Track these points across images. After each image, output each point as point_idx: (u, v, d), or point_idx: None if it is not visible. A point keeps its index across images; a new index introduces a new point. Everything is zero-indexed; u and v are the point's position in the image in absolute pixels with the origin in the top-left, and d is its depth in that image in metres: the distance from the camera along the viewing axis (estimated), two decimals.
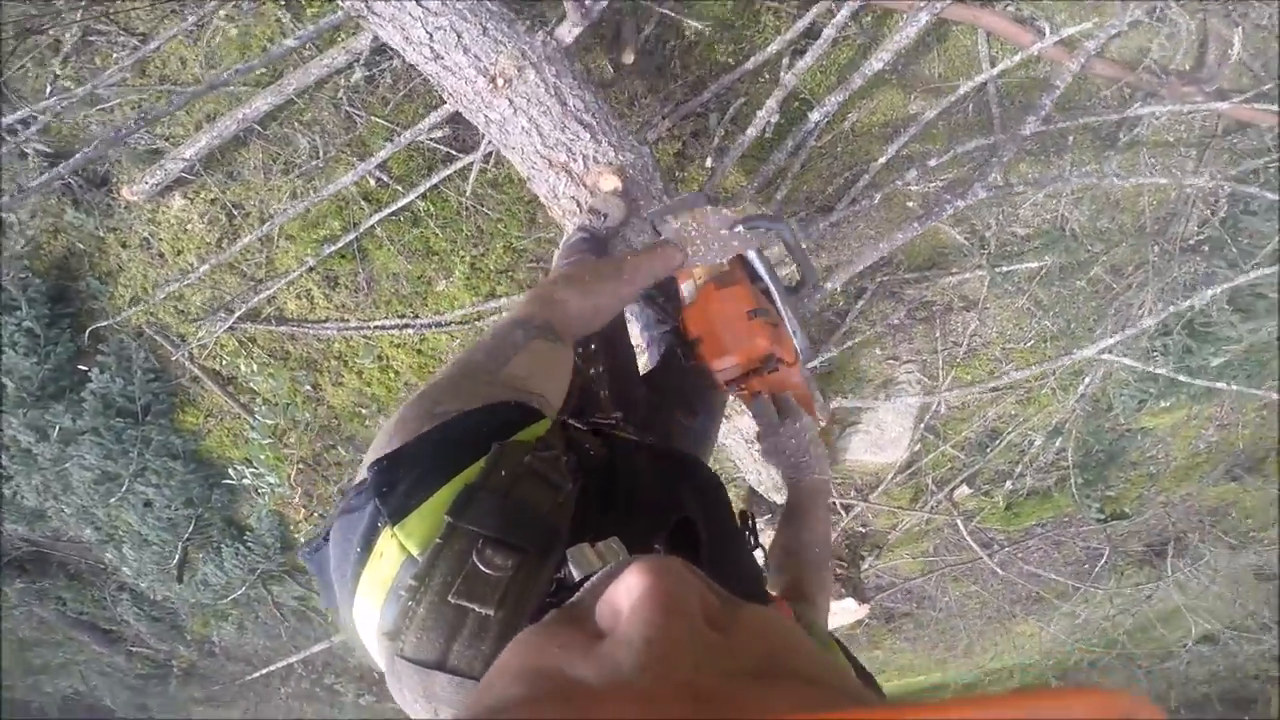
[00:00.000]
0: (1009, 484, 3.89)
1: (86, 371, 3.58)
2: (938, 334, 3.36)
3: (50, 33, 3.10)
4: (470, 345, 0.72)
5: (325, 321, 3.36)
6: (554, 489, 0.55)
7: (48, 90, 3.11)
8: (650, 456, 0.77)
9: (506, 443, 0.56)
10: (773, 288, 1.02)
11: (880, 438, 3.56)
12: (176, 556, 3.92)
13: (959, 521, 3.89)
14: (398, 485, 0.53)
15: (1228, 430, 3.97)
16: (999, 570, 4.09)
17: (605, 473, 0.66)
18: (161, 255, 3.37)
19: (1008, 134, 2.68)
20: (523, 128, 2.13)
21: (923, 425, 3.61)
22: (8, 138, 3.21)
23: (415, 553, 0.50)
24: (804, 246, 1.11)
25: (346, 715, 5.26)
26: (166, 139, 3.15)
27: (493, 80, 2.10)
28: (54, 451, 3.67)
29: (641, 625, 0.33)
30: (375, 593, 0.50)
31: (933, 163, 2.72)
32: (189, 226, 3.28)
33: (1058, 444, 3.74)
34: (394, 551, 0.50)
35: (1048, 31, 2.68)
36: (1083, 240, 3.22)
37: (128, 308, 3.45)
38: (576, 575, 0.49)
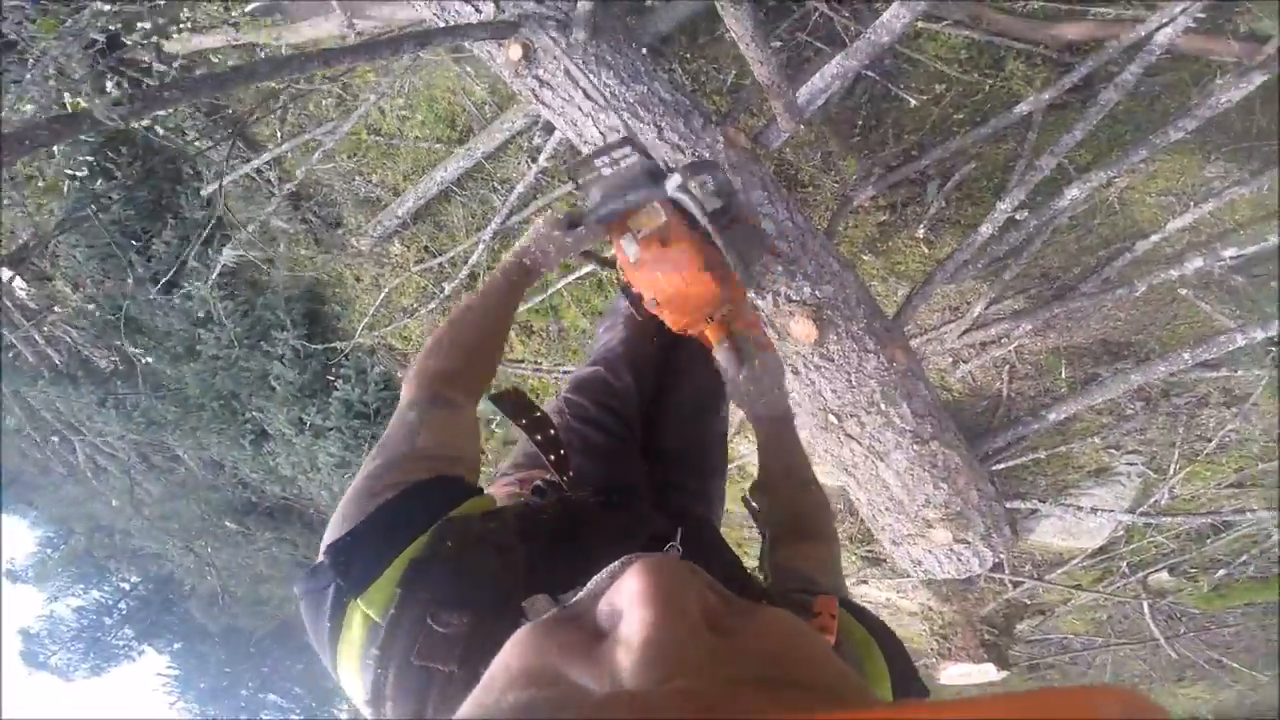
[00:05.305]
0: (1223, 571, 3.17)
1: (333, 381, 4.20)
2: (1181, 429, 2.67)
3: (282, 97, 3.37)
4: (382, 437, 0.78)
5: (521, 362, 3.56)
6: (503, 553, 0.59)
7: (279, 136, 3.45)
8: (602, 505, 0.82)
9: (449, 518, 0.61)
10: (710, 229, 0.94)
11: (1075, 525, 3.03)
12: None
13: (1145, 604, 3.27)
14: (354, 562, 0.57)
15: None
16: (1175, 655, 3.41)
17: (564, 531, 0.68)
18: (389, 298, 3.74)
19: None
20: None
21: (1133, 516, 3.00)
22: (258, 179, 3.68)
23: (377, 619, 0.53)
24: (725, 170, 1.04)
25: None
26: (380, 186, 3.42)
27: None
28: (306, 441, 4.43)
29: (640, 626, 0.32)
30: (351, 662, 0.54)
31: (1230, 253, 2.11)
32: (405, 270, 3.59)
33: None
34: (359, 620, 0.54)
35: None
36: None
37: (362, 333, 3.92)
38: None
